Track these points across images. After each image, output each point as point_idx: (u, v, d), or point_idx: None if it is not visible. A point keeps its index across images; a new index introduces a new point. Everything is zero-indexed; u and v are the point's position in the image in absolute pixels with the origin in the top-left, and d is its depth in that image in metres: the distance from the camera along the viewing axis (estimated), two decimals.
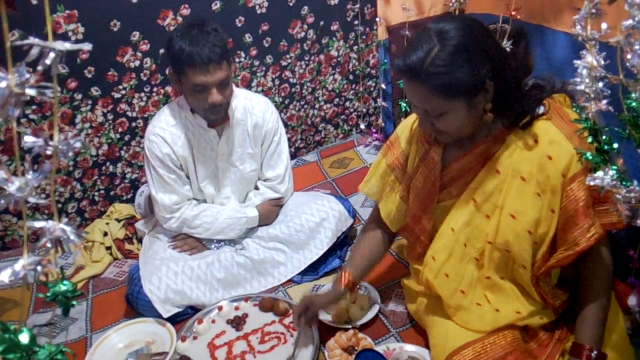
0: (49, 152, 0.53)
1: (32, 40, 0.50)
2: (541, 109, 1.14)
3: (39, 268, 0.61)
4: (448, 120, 1.11)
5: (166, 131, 1.73)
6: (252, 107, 1.82)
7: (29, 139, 0.53)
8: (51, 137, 0.55)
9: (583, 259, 1.16)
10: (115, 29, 1.96)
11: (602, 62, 0.88)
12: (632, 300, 1.42)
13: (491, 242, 1.21)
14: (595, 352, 1.12)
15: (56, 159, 0.56)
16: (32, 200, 0.55)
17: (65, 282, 0.64)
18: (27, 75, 0.50)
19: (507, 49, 1.45)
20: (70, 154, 0.54)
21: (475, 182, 1.22)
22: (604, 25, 0.86)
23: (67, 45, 0.50)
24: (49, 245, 0.61)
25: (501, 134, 1.17)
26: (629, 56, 0.84)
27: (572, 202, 1.11)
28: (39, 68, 0.50)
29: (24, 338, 0.65)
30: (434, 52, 1.05)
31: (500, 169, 1.18)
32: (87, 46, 0.52)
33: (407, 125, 1.39)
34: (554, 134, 1.12)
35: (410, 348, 1.44)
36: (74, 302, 0.67)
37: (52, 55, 0.49)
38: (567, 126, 1.13)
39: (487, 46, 1.08)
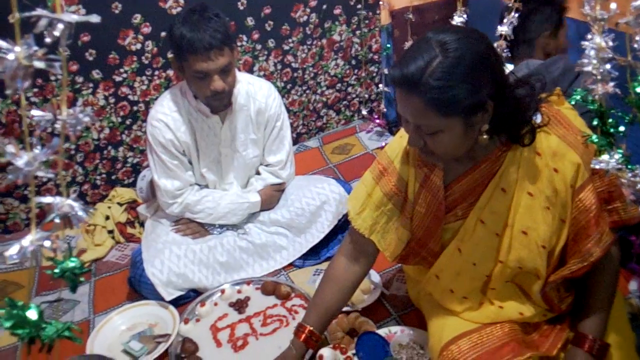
0: (57, 126, 0.53)
1: (40, 11, 0.49)
2: (539, 118, 1.09)
3: (46, 243, 0.61)
4: (442, 139, 1.04)
5: (169, 117, 1.71)
6: (255, 92, 1.81)
7: (37, 113, 0.53)
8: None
9: None
10: (117, 11, 1.95)
11: (610, 44, 0.87)
12: (632, 285, 1.44)
13: (502, 262, 1.17)
14: (598, 343, 1.12)
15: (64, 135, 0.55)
16: (40, 174, 0.54)
17: (72, 258, 0.64)
18: (35, 48, 0.50)
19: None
20: (79, 127, 0.53)
21: (480, 202, 1.17)
22: (613, 6, 0.85)
23: (75, 17, 0.50)
24: (57, 221, 0.61)
25: (500, 151, 1.12)
26: (637, 37, 0.83)
27: (583, 213, 1.08)
28: (47, 40, 0.50)
29: (32, 314, 0.65)
30: (435, 62, 0.96)
31: (505, 187, 1.13)
32: (95, 18, 0.51)
33: (400, 147, 1.26)
34: (556, 145, 1.08)
35: (411, 331, 1.45)
36: (82, 279, 0.67)
37: (60, 26, 0.48)
38: (569, 133, 1.09)
39: (491, 64, 1.00)
